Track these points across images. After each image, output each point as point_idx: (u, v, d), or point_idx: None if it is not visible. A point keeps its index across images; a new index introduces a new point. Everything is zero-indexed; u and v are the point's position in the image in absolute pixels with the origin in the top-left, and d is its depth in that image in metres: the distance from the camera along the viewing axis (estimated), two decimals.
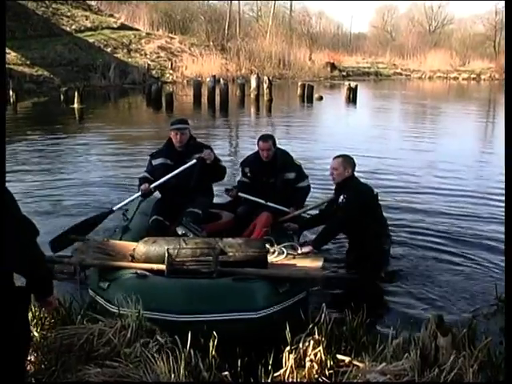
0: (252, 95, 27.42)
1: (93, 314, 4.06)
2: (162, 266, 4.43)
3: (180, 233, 5.31)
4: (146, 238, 4.79)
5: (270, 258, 4.82)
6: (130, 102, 29.02)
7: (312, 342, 3.73)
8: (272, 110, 24.19)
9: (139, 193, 5.90)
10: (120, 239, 5.30)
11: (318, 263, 4.80)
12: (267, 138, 6.09)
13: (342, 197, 5.47)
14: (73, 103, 22.64)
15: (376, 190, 5.79)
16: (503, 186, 3.46)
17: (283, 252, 5.00)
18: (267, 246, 4.98)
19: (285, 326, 3.82)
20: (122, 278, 4.33)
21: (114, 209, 5.88)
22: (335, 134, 16.21)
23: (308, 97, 27.23)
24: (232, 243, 4.57)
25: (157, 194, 6.10)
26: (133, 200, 5.95)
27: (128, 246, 4.95)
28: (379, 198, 5.80)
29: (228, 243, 4.57)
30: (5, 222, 2.55)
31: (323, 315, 3.93)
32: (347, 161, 5.63)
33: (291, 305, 4.33)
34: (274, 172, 6.05)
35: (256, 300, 4.14)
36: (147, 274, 4.37)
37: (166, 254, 4.42)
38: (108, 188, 9.37)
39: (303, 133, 16.60)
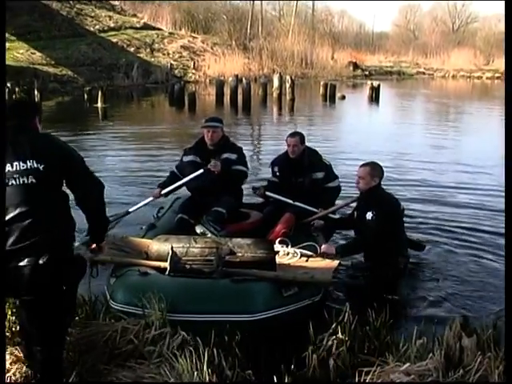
0: (274, 94, 27.36)
1: (116, 312, 4.09)
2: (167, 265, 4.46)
3: (199, 231, 5.32)
4: (160, 236, 4.85)
5: (282, 260, 4.79)
6: (153, 102, 29.14)
7: (335, 342, 3.71)
8: (294, 110, 24.12)
9: (151, 198, 6.00)
10: (143, 236, 5.32)
11: (331, 267, 4.69)
12: (294, 134, 6.08)
13: (370, 213, 5.17)
14: (96, 102, 22.80)
15: (402, 205, 5.64)
16: None
17: (297, 254, 4.94)
18: (280, 247, 4.97)
19: (308, 326, 3.81)
20: (125, 275, 4.36)
21: (130, 210, 5.94)
22: (358, 133, 16.12)
23: (330, 96, 27.11)
24: (241, 244, 4.54)
25: (187, 193, 6.17)
26: (147, 203, 6.03)
27: (144, 243, 4.98)
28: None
29: (237, 243, 4.54)
30: (79, 176, 3.33)
31: (346, 315, 3.91)
32: (375, 169, 5.38)
33: (297, 309, 4.21)
34: (302, 171, 5.99)
35: (253, 302, 4.07)
36: (148, 271, 4.38)
37: (170, 253, 4.44)
38: (130, 186, 9.42)
39: (326, 132, 16.55)
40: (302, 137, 6.06)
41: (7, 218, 3.09)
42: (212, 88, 29.73)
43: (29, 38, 33.11)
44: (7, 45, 30.75)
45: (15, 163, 3.17)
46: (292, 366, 3.65)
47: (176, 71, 37.22)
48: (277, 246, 4.99)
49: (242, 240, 4.62)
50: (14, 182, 3.14)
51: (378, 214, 5.18)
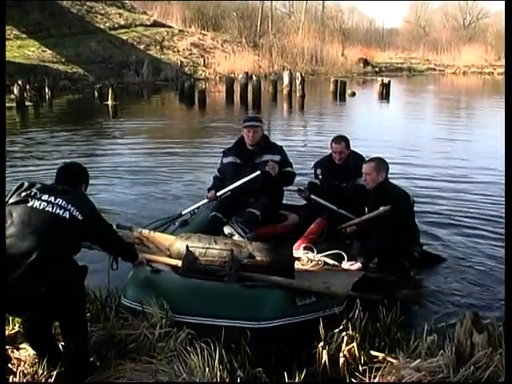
0: (284, 91, 27.36)
1: (125, 309, 4.11)
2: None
3: (226, 232, 5.20)
4: (182, 234, 4.78)
5: (305, 267, 4.70)
6: (163, 99, 29.18)
7: (346, 338, 3.71)
8: (305, 107, 24.10)
9: (205, 200, 5.88)
10: (173, 233, 5.26)
11: (352, 280, 4.52)
12: (340, 140, 5.80)
13: (382, 208, 5.16)
14: (107, 100, 22.85)
15: (412, 197, 5.57)
16: None
17: (321, 262, 4.79)
18: (303, 253, 4.85)
19: (317, 323, 3.80)
20: (138, 271, 4.29)
21: (183, 213, 5.84)
22: (369, 130, 16.07)
23: (341, 93, 27.05)
24: (260, 247, 4.44)
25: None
26: (202, 205, 5.96)
27: (168, 240, 4.91)
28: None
29: (257, 247, 4.44)
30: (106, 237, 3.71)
31: (357, 311, 3.91)
32: (380, 164, 5.32)
33: (312, 320, 4.02)
34: (347, 176, 5.78)
35: (261, 309, 3.95)
36: (161, 268, 4.33)
37: (185, 252, 4.41)
38: (143, 185, 9.43)
39: (336, 129, 16.43)
40: (347, 142, 5.82)
41: (14, 230, 3.18)
42: (222, 85, 29.76)
43: (39, 35, 33.23)
44: (18, 43, 30.95)
45: (57, 197, 3.37)
46: (302, 363, 3.67)
47: (186, 68, 37.24)
48: (300, 252, 4.87)
49: (262, 244, 4.52)
50: (46, 206, 3.30)
51: (394, 210, 5.11)
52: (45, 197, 3.35)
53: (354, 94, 27.62)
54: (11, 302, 3.12)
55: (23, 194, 3.35)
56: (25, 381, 3.40)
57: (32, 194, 3.35)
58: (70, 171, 3.77)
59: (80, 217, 3.36)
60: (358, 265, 4.83)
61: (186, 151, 12.80)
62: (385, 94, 26.52)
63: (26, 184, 3.44)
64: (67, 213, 3.32)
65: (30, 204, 3.30)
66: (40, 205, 3.30)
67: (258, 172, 5.56)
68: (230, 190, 5.75)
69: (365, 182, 5.34)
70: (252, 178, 5.59)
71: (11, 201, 3.33)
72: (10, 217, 3.24)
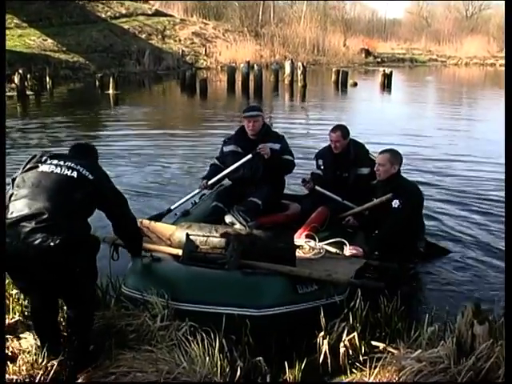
0: (286, 81, 27.31)
1: (126, 298, 4.11)
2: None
3: (227, 221, 5.21)
4: (183, 223, 4.77)
5: (306, 255, 4.68)
6: (164, 88, 29.13)
7: (346, 328, 3.71)
8: (306, 96, 24.04)
9: (197, 190, 5.92)
10: (174, 223, 5.24)
11: (354, 267, 4.51)
12: (336, 129, 5.79)
13: (397, 201, 5.08)
14: (108, 89, 22.81)
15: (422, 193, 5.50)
16: None
17: (322, 250, 4.77)
18: (305, 242, 4.83)
19: (319, 312, 3.79)
20: (139, 260, 4.27)
21: (172, 208, 5.81)
22: (370, 120, 16.03)
23: (342, 83, 26.99)
24: (261, 235, 4.44)
25: (226, 182, 6.07)
26: (192, 197, 5.98)
27: (169, 229, 4.89)
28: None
29: (258, 235, 4.44)
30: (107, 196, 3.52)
31: (358, 301, 3.90)
32: (394, 156, 5.28)
33: (314, 308, 4.01)
34: (348, 166, 5.75)
35: (261, 296, 3.93)
36: (161, 257, 4.34)
37: (185, 241, 4.39)
38: (142, 175, 9.41)
39: (338, 119, 16.41)
40: (344, 131, 5.78)
41: (26, 192, 3.23)
42: (223, 74, 29.68)
43: (40, 24, 33.16)
44: (19, 31, 30.87)
45: (66, 161, 3.44)
46: (303, 353, 3.67)
47: (187, 58, 37.18)
48: (301, 241, 4.87)
49: (263, 231, 4.54)
50: (54, 169, 3.36)
51: (404, 202, 5.09)
52: (54, 161, 3.41)
53: (355, 84, 27.56)
54: (20, 264, 3.15)
55: (35, 162, 3.43)
56: (24, 369, 3.39)
57: (43, 160, 3.43)
58: (81, 147, 3.88)
59: (90, 176, 3.40)
60: (359, 250, 4.82)
61: (187, 140, 12.77)
62: (387, 85, 26.47)
63: (39, 154, 3.50)
64: (75, 172, 3.36)
65: (40, 169, 3.37)
66: (49, 168, 3.36)
67: (250, 155, 5.59)
68: (221, 178, 5.81)
69: (377, 171, 5.32)
70: (244, 161, 5.63)
71: (24, 170, 3.41)
72: (22, 182, 3.32)
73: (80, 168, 3.39)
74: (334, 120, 15.28)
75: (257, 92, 24.16)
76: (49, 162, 3.40)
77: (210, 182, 5.81)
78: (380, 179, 5.33)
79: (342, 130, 5.78)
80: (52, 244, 3.08)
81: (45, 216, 3.14)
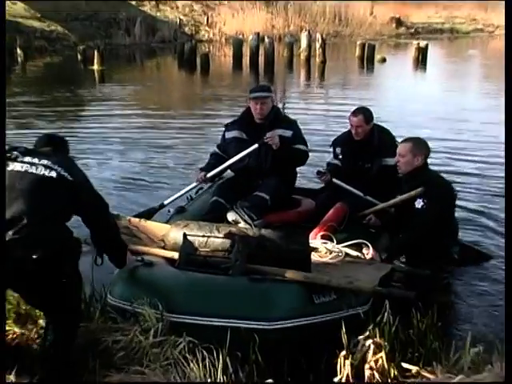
0: (302, 56, 27.26)
1: (113, 309, 4.10)
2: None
3: (230, 219, 5.20)
4: (179, 222, 4.79)
5: (323, 259, 4.69)
6: (159, 64, 29.18)
7: (372, 347, 3.68)
8: (325, 74, 24.02)
9: (194, 183, 5.93)
10: (168, 221, 5.27)
11: (379, 274, 4.50)
12: (357, 112, 5.75)
13: (421, 201, 5.02)
14: (92, 64, 22.86)
15: (455, 190, 5.49)
16: None
17: (341, 253, 4.77)
18: (321, 243, 4.84)
19: (339, 325, 3.77)
20: (127, 264, 4.20)
21: (165, 203, 5.83)
22: (399, 102, 16.02)
23: (368, 58, 26.93)
24: (271, 236, 4.43)
25: (228, 173, 6.06)
26: (188, 191, 5.99)
27: (162, 229, 4.91)
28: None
29: (267, 235, 4.44)
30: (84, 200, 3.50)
31: (386, 314, 3.88)
32: (418, 146, 5.21)
33: (330, 321, 4.02)
34: (371, 156, 5.71)
35: (271, 307, 3.92)
36: (154, 261, 4.32)
37: (182, 242, 4.39)
38: (131, 165, 9.42)
39: (361, 101, 16.34)
40: (366, 114, 5.74)
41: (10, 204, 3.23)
42: (228, 48, 29.73)
43: None
44: None
45: (41, 158, 3.43)
46: (320, 375, 3.66)
47: (186, 28, 37.19)
48: (317, 242, 4.86)
49: (273, 232, 4.52)
50: (29, 168, 3.35)
51: (430, 202, 5.03)
52: (27, 158, 3.40)
53: (384, 60, 27.49)
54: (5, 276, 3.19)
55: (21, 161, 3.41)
56: None
57: (13, 157, 3.40)
58: (51, 139, 3.85)
59: (70, 177, 3.41)
60: (376, 254, 4.82)
61: (184, 125, 12.79)
62: (421, 60, 26.41)
63: (6, 148, 3.48)
64: (54, 172, 3.37)
65: (11, 168, 3.35)
66: (22, 167, 3.36)
67: (256, 145, 5.58)
68: (222, 170, 5.81)
69: (397, 164, 5.28)
70: (249, 152, 5.63)
71: None
72: None
73: (58, 167, 3.39)
74: (356, 102, 15.20)
75: (267, 69, 24.14)
76: (20, 159, 3.39)
77: (209, 175, 5.80)
78: (401, 172, 5.30)
79: (364, 113, 5.75)
80: (35, 256, 3.12)
81: (23, 222, 3.15)
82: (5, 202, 3.25)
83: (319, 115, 14.07)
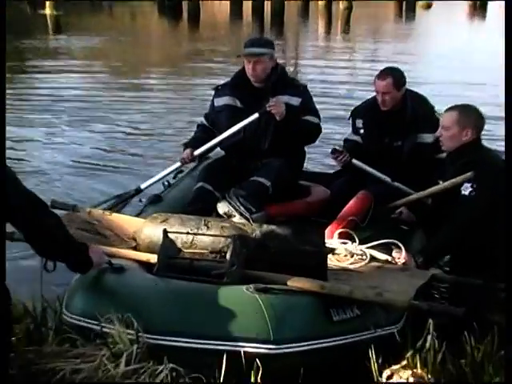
0: (320, 1, 27.29)
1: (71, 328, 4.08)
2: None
3: (222, 211, 5.09)
4: (156, 215, 4.72)
5: (341, 263, 4.61)
6: (134, 11, 29.20)
7: (412, 380, 3.69)
8: (351, 24, 24.02)
9: (178, 163, 5.84)
10: (139, 214, 5.19)
11: (415, 283, 4.36)
12: (385, 74, 5.62)
13: (468, 186, 5.01)
14: (43, 8, 22.89)
15: None
16: None
17: (366, 256, 4.68)
18: (340, 243, 4.74)
19: (364, 350, 3.76)
20: (90, 271, 4.19)
21: (143, 187, 5.76)
22: (444, 62, 15.92)
23: (408, 4, 26.95)
24: (276, 233, 4.40)
25: (217, 152, 6.03)
26: (169, 174, 5.91)
27: (134, 224, 4.85)
28: None
29: (270, 233, 4.41)
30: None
31: (429, 338, 3.86)
32: (467, 116, 5.02)
33: (352, 344, 3.92)
34: (401, 130, 5.62)
35: (278, 326, 3.79)
36: (126, 266, 4.19)
37: (162, 241, 4.30)
38: (95, 140, 9.32)
39: (396, 58, 16.37)
40: (397, 77, 5.62)
41: None
42: None
43: None
44: None
45: None
46: None
47: None
48: (334, 242, 4.79)
49: (279, 228, 4.48)
50: None
51: (480, 187, 4.99)
52: None
53: (429, 6, 27.54)
54: None
55: None
56: None
57: None
58: None
59: None
60: (405, 256, 4.67)
61: (164, 87, 12.79)
62: (479, 6, 26.41)
63: None
64: None
65: None
66: None
67: (256, 115, 5.48)
68: (213, 147, 5.79)
69: (440, 138, 5.24)
70: (246, 124, 5.54)
71: None
72: None
73: None
74: (388, 60, 15.24)
75: (275, 19, 24.13)
76: None
77: (196, 152, 5.72)
78: (445, 150, 5.25)
79: (394, 75, 5.61)
80: None
81: None
82: (5, 201, 3.27)
83: (340, 78, 14.00)
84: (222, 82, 5.99)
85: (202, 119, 5.95)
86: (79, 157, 8.48)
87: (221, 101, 5.74)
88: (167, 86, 13.05)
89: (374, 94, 5.75)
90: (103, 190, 6.94)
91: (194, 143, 5.80)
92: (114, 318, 3.82)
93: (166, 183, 5.89)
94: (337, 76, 14.17)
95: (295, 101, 5.53)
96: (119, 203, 5.59)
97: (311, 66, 15.56)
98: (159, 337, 3.79)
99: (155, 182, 5.89)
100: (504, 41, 4.24)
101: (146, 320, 3.79)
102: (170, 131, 9.82)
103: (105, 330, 3.83)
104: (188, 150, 5.72)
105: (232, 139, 5.64)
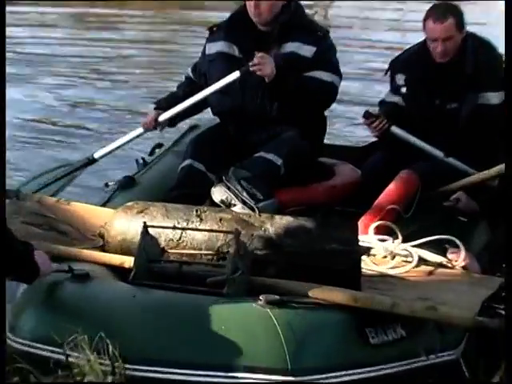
0: None
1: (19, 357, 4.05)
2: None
3: (218, 199, 5.07)
4: (130, 204, 4.75)
5: (379, 267, 4.65)
6: None
7: None
8: None
9: (140, 130, 5.90)
10: (104, 204, 5.26)
11: (481, 293, 4.33)
12: (442, 14, 5.48)
13: None
14: None
15: None
16: None
17: (412, 257, 4.67)
18: (377, 240, 4.79)
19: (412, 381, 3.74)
20: (42, 280, 4.03)
21: (96, 157, 5.86)
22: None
23: None
24: (292, 228, 4.37)
25: (210, 119, 6.08)
26: (129, 142, 5.93)
27: (100, 216, 4.87)
28: None
29: (284, 227, 4.37)
30: None
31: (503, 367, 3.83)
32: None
33: (396, 375, 3.89)
34: (459, 88, 5.57)
35: (298, 352, 3.78)
36: (90, 273, 4.19)
37: (140, 239, 4.28)
38: (42, 102, 9.43)
39: None
40: (459, 15, 5.55)
41: None
42: None
43: None
44: None
45: None
46: None
47: None
48: (369, 239, 4.82)
49: (296, 221, 4.45)
50: None
51: None
52: None
53: None
54: None
55: None
56: None
57: None
58: None
59: None
60: (474, 265, 4.70)
61: (137, 32, 12.86)
62: None
63: None
64: None
65: None
66: None
67: (237, 73, 5.47)
68: (184, 113, 5.80)
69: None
70: (224, 85, 5.53)
71: None
72: None
73: None
74: None
75: None
76: None
77: (161, 119, 5.74)
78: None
79: (454, 13, 5.54)
80: None
81: None
82: (5, 200, 3.42)
83: (383, 24, 13.99)
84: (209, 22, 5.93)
85: (187, 71, 5.93)
86: (22, 123, 8.52)
87: (214, 47, 5.71)
88: (139, 29, 13.15)
89: (420, 40, 5.67)
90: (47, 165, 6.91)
91: (166, 103, 5.77)
92: (81, 341, 3.76)
93: (141, 161, 5.92)
94: (378, 22, 14.15)
95: (307, 50, 5.47)
96: (65, 175, 5.61)
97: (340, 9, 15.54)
98: (141, 366, 3.72)
99: (112, 151, 5.87)
100: (504, 40, 4.31)
101: (122, 345, 3.70)
102: (141, 87, 9.91)
103: (70, 359, 3.80)
104: (152, 114, 5.69)
105: (224, 103, 5.65)
